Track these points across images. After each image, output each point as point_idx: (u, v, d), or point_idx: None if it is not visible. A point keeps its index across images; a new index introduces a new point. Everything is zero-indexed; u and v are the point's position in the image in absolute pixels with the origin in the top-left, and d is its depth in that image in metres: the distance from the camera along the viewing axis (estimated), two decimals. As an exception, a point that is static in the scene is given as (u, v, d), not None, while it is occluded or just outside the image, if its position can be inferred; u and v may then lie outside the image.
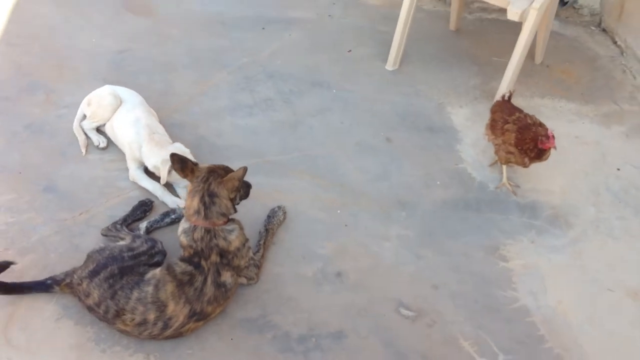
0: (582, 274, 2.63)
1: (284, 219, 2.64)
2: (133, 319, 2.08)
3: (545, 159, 2.77)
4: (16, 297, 2.24)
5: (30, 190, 2.65)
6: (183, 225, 2.23)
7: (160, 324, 2.09)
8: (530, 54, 3.73)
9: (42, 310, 2.23)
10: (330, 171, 2.97)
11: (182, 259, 2.19)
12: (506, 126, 2.82)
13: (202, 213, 2.18)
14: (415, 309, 2.41)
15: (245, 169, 2.22)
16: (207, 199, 2.18)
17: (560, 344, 2.34)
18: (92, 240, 2.47)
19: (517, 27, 3.24)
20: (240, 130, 3.13)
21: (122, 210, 2.61)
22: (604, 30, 4.15)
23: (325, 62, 3.70)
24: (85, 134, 2.93)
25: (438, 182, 2.99)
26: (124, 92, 2.94)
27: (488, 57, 3.88)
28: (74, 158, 2.84)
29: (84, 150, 2.86)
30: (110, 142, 2.92)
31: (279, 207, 2.65)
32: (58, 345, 2.14)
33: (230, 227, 2.23)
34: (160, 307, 2.09)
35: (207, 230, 2.17)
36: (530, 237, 2.77)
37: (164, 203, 2.67)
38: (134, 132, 2.70)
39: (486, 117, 3.06)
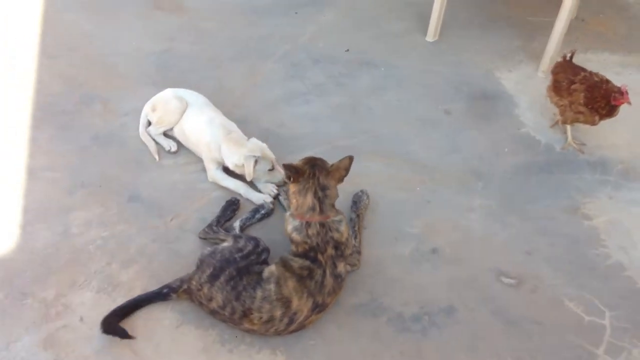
0: None
1: (369, 202, 2.70)
2: (260, 318, 2.14)
3: (616, 114, 2.84)
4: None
5: (115, 202, 2.68)
6: (292, 223, 2.28)
7: (286, 320, 2.16)
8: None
9: (161, 319, 2.27)
10: (399, 150, 3.02)
11: (297, 255, 2.24)
12: (573, 86, 2.88)
13: (318, 208, 2.23)
14: (515, 276, 2.49)
15: (351, 158, 2.28)
16: (321, 194, 2.24)
17: (660, 293, 2.44)
18: (190, 245, 2.51)
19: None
20: (301, 119, 3.16)
21: (210, 211, 2.65)
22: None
23: (365, 40, 3.72)
24: (154, 139, 2.94)
25: (506, 149, 3.06)
26: (187, 94, 2.96)
27: (523, 18, 3.93)
28: (148, 165, 2.86)
29: (156, 156, 2.89)
30: (180, 146, 2.93)
31: (362, 192, 2.71)
32: (185, 351, 2.19)
33: (337, 217, 2.28)
34: (286, 303, 2.15)
35: (322, 225, 2.22)
36: (608, 193, 2.85)
37: (248, 200, 2.70)
38: (210, 133, 2.73)
39: (535, 78, 3.12)
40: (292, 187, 2.30)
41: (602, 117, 2.85)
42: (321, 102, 3.27)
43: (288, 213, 2.36)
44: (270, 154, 2.69)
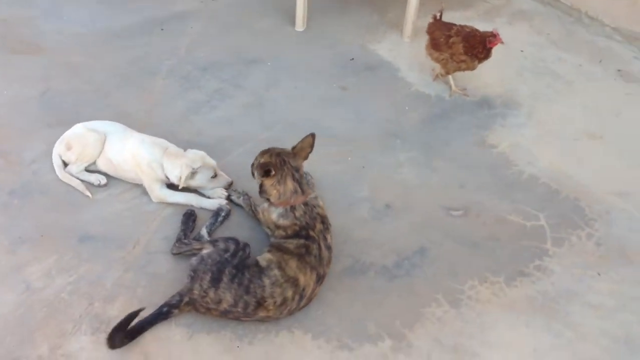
0: (550, 136, 3.27)
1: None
2: (275, 302, 2.25)
3: (491, 56, 3.32)
4: (138, 337, 2.27)
5: (66, 246, 2.58)
6: (276, 211, 2.41)
7: (297, 297, 2.29)
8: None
9: (171, 337, 2.27)
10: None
11: (288, 237, 2.38)
12: (451, 40, 3.31)
13: (299, 190, 2.39)
14: (459, 208, 2.85)
15: (313, 135, 2.46)
16: (297, 175, 2.40)
17: (569, 189, 2.95)
18: (165, 264, 2.52)
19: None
20: (215, 124, 3.25)
21: (168, 229, 2.66)
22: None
23: (242, 40, 3.89)
24: (77, 178, 2.87)
25: (406, 108, 3.43)
26: (100, 125, 2.91)
27: (371, -5, 4.35)
28: (83, 203, 2.78)
29: (88, 194, 2.81)
30: (107, 177, 2.88)
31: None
32: (208, 357, 2.23)
33: (313, 194, 2.46)
34: (294, 282, 2.28)
35: (305, 204, 2.39)
36: (500, 123, 3.34)
37: (203, 209, 2.76)
38: (148, 153, 2.74)
39: (403, 44, 3.56)
40: (268, 181, 2.43)
41: (481, 60, 3.31)
42: (227, 105, 3.38)
43: (266, 205, 2.48)
44: (210, 161, 2.76)
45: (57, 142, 2.92)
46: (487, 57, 3.29)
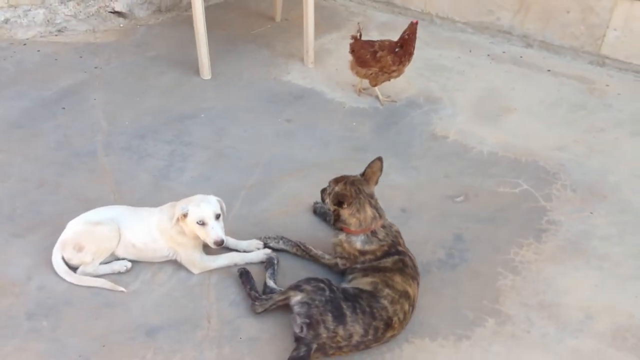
0: (479, 117, 3.79)
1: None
2: (399, 319, 2.34)
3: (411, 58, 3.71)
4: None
5: (140, 345, 2.34)
6: (358, 239, 2.49)
7: (411, 309, 2.42)
8: (271, 16, 4.56)
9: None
10: (292, 162, 3.33)
11: (378, 258, 2.49)
12: (379, 54, 3.64)
13: (378, 214, 2.51)
14: (458, 194, 3.19)
15: (380, 159, 2.59)
16: (373, 201, 2.51)
17: (523, 155, 3.48)
18: (254, 326, 2.43)
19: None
20: (195, 184, 3.12)
21: (230, 295, 2.56)
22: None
23: (156, 100, 3.77)
24: (98, 276, 2.61)
25: (354, 123, 3.68)
26: (97, 214, 2.66)
27: (252, 35, 4.52)
28: (122, 300, 2.52)
29: (121, 288, 2.57)
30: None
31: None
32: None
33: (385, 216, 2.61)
34: (406, 294, 2.39)
35: (383, 226, 2.52)
36: (436, 117, 3.77)
37: (249, 264, 2.70)
38: (168, 219, 2.60)
39: (310, 70, 3.86)
40: (346, 211, 2.50)
41: (406, 64, 3.70)
42: (192, 164, 3.28)
43: (343, 237, 2.54)
44: (203, 208, 2.53)
45: (55, 249, 2.61)
46: (410, 59, 3.66)
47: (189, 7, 4.65)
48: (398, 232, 2.58)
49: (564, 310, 2.59)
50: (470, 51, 4.48)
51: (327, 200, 2.60)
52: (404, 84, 3.99)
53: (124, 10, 4.45)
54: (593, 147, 3.57)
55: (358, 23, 3.80)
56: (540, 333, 2.49)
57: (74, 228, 2.61)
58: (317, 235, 2.87)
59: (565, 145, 3.58)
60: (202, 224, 2.51)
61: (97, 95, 3.75)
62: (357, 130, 3.62)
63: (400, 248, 2.51)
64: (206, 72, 3.96)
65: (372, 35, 4.58)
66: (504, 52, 4.55)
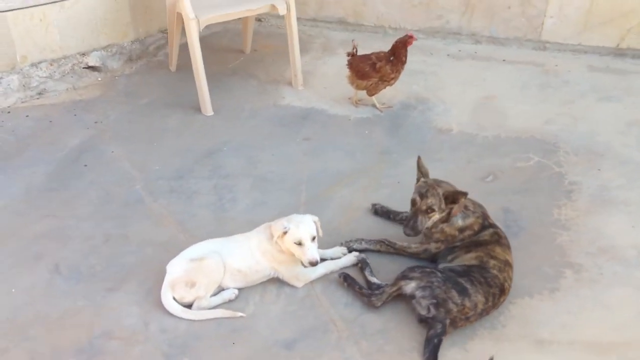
0: (469, 109, 4.20)
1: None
2: (509, 285, 2.65)
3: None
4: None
5: (280, 357, 2.48)
6: (457, 220, 2.76)
7: (511, 274, 2.73)
8: (240, 49, 4.78)
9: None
10: (331, 174, 3.54)
11: (476, 233, 2.77)
12: (378, 65, 3.96)
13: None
14: (486, 175, 3.56)
15: (420, 157, 2.93)
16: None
17: (522, 133, 3.91)
18: (378, 319, 2.61)
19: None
20: (254, 211, 3.21)
21: (340, 297, 2.71)
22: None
23: (173, 142, 3.83)
24: (212, 308, 2.69)
25: (366, 132, 3.96)
26: (196, 251, 2.75)
27: (225, 67, 4.69)
28: (244, 326, 2.61)
29: (241, 313, 2.67)
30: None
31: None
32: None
33: None
34: (508, 263, 2.69)
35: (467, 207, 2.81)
36: (434, 114, 4.14)
37: (343, 268, 2.89)
38: (266, 239, 2.74)
39: (303, 91, 4.22)
40: (458, 207, 2.76)
41: (400, 71, 4.03)
42: (240, 194, 3.38)
43: (439, 226, 2.80)
44: (301, 229, 2.66)
45: (164, 292, 2.66)
46: (404, 65, 4.01)
47: (157, 52, 4.78)
48: (481, 205, 2.88)
49: (620, 250, 3.00)
50: (431, 54, 4.91)
51: (435, 204, 2.73)
52: (391, 90, 4.31)
53: (97, 64, 4.46)
54: (574, 116, 4.08)
55: (353, 40, 4.10)
56: (611, 272, 2.87)
57: (181, 267, 2.67)
58: (387, 232, 3.10)
59: (551, 119, 4.06)
60: (299, 244, 2.67)
61: (113, 148, 3.76)
62: (372, 136, 3.90)
63: (490, 221, 2.82)
64: (208, 109, 4.07)
65: (338, 52, 4.91)
66: (459, 51, 5.02)
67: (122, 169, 3.58)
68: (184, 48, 4.29)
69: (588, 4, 4.81)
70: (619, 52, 4.93)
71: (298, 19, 4.99)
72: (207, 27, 4.02)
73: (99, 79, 4.46)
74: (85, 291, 2.78)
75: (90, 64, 4.44)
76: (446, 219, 2.79)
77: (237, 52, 4.90)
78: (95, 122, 4.00)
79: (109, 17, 4.55)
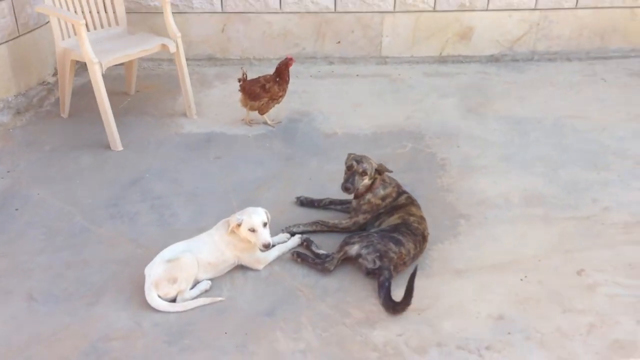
0: (354, 115, 4.90)
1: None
2: (428, 233, 3.30)
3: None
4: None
5: (265, 324, 2.90)
6: (380, 189, 3.37)
7: (426, 225, 3.39)
8: (124, 92, 5.11)
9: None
10: (248, 183, 4.02)
11: (395, 199, 3.40)
12: (267, 86, 4.50)
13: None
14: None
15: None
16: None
17: (413, 128, 4.70)
18: (334, 280, 3.11)
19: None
20: (195, 219, 3.57)
21: (298, 271, 3.16)
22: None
23: (96, 177, 4.02)
24: (193, 299, 3.02)
25: (267, 144, 4.47)
26: (170, 251, 3.05)
27: (116, 109, 4.96)
28: (227, 307, 2.97)
29: (220, 298, 3.01)
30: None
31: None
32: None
33: None
34: (423, 218, 3.31)
35: (385, 180, 3.44)
36: (317, 123, 4.77)
37: (292, 249, 3.35)
38: (227, 236, 3.14)
39: (196, 120, 4.70)
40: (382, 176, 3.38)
41: (286, 90, 4.61)
42: (179, 209, 3.66)
43: (367, 196, 3.38)
44: (254, 217, 3.09)
45: (148, 292, 2.93)
46: (287, 83, 4.60)
47: (42, 103, 4.94)
48: (394, 178, 3.52)
49: (492, 200, 3.81)
50: (297, 77, 5.55)
51: (368, 169, 3.32)
52: (275, 109, 4.87)
53: (-11, 119, 4.50)
54: (426, 111, 4.96)
55: (242, 67, 4.60)
56: (492, 215, 3.66)
57: (160, 268, 2.98)
58: (315, 217, 3.61)
59: (410, 115, 4.89)
60: (253, 231, 3.12)
61: (36, 191, 3.86)
62: (273, 147, 4.42)
63: (403, 189, 3.47)
64: (118, 145, 4.31)
65: (215, 84, 5.39)
66: (319, 71, 5.75)
67: (54, 207, 3.71)
68: (73, 94, 4.53)
69: (413, 23, 5.78)
70: (442, 60, 5.96)
71: (170, 59, 5.43)
72: (83, 76, 4.28)
73: (-6, 132, 4.49)
74: (67, 310, 2.94)
75: (-18, 119, 4.46)
76: (369, 188, 3.38)
77: (122, 95, 5.15)
78: (8, 172, 4.06)
79: (-7, 73, 4.61)
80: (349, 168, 3.37)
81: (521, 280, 3.16)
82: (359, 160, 3.36)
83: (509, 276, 3.18)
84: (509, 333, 2.82)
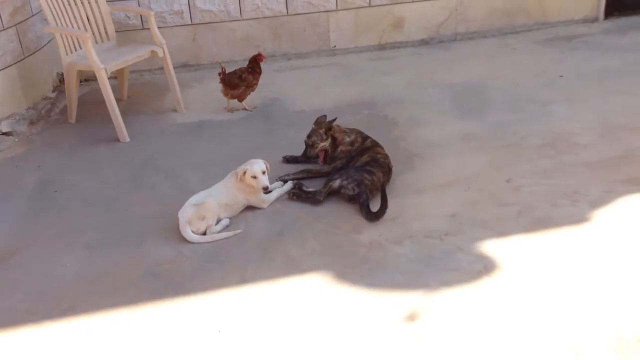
0: (312, 93, 5.72)
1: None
2: (391, 165, 4.13)
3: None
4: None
5: (278, 241, 3.67)
6: (348, 139, 4.16)
7: (390, 160, 4.21)
8: (118, 98, 5.80)
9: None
10: (246, 152, 4.77)
11: (361, 144, 4.22)
12: (243, 76, 5.28)
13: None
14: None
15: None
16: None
17: (376, 99, 5.55)
18: (325, 208, 3.89)
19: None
20: (206, 180, 4.36)
21: (294, 205, 3.92)
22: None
23: (115, 161, 4.72)
24: (219, 231, 3.76)
25: (249, 124, 5.25)
26: (196, 197, 3.76)
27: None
28: (245, 235, 3.75)
29: (239, 230, 3.76)
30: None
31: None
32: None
33: None
34: (386, 155, 4.11)
35: (346, 131, 4.27)
36: (287, 105, 5.57)
37: (287, 191, 4.13)
38: (236, 183, 3.89)
39: (187, 113, 5.39)
40: (336, 133, 4.17)
41: (258, 78, 5.39)
42: (193, 178, 4.47)
43: (340, 147, 4.17)
44: (255, 167, 3.85)
45: (183, 228, 3.63)
46: (260, 73, 5.39)
47: (49, 114, 5.59)
48: (355, 128, 4.35)
49: (437, 141, 4.67)
50: (263, 73, 6.34)
51: (315, 139, 4.16)
52: (250, 97, 5.63)
53: (9, 130, 5.12)
54: (373, 86, 5.81)
55: (220, 63, 5.37)
56: (430, 153, 4.51)
57: (190, 210, 3.70)
58: (300, 168, 4.41)
59: (362, 91, 5.73)
60: (255, 177, 3.90)
61: (68, 177, 4.53)
62: (256, 126, 5.18)
63: (366, 135, 4.31)
64: (126, 136, 4.98)
65: (193, 85, 6.13)
66: (280, 67, 6.54)
67: (86, 186, 4.36)
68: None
69: (354, 18, 6.66)
70: (380, 47, 6.86)
71: (149, 70, 6.16)
72: (82, 88, 4.97)
73: (16, 140, 5.10)
74: (121, 250, 3.61)
75: (4, 130, 5.08)
76: (339, 143, 4.20)
77: (117, 100, 5.78)
78: (38, 166, 4.69)
79: (6, 92, 5.24)
80: (305, 143, 4.22)
81: (465, 190, 4.02)
82: (309, 134, 4.23)
83: (456, 189, 4.03)
84: (461, 223, 3.66)
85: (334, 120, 4.21)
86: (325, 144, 4.20)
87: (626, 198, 3.79)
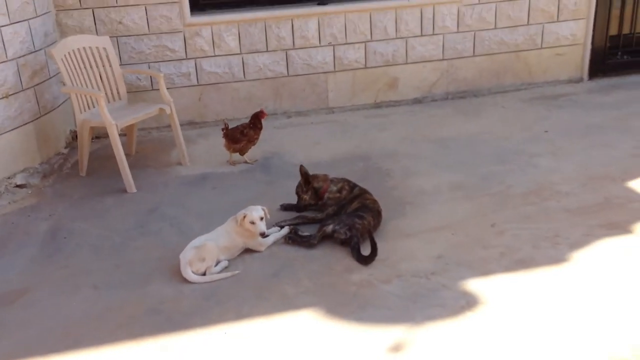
0: (310, 148, 6.01)
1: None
2: (381, 209, 4.37)
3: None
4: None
5: (274, 281, 3.86)
6: (335, 188, 4.40)
7: (379, 205, 4.45)
8: (127, 153, 6.10)
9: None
10: (255, 201, 5.02)
11: (350, 191, 4.46)
12: (245, 131, 5.58)
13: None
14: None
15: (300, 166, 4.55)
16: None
17: (364, 153, 5.83)
18: (319, 251, 4.11)
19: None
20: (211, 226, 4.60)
21: (290, 249, 4.15)
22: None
23: (124, 208, 4.98)
24: (218, 272, 3.96)
25: (250, 176, 5.52)
26: (198, 240, 3.99)
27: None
28: (242, 278, 3.95)
29: (237, 271, 3.97)
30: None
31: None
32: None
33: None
34: (375, 200, 4.36)
35: (332, 180, 4.51)
36: (287, 158, 5.84)
37: (284, 236, 4.36)
38: (236, 226, 4.12)
39: (189, 166, 5.63)
40: (317, 184, 4.43)
41: (259, 134, 5.69)
42: (195, 224, 4.71)
43: (327, 195, 4.42)
44: (253, 213, 4.15)
45: (184, 269, 3.84)
46: (261, 128, 5.70)
47: (62, 168, 5.83)
48: (343, 177, 4.60)
49: (428, 191, 4.90)
50: (263, 129, 6.67)
51: (298, 191, 4.52)
52: (252, 151, 5.92)
53: (23, 182, 5.40)
54: (370, 141, 6.09)
55: (224, 120, 5.69)
56: (427, 202, 4.74)
57: (191, 252, 3.91)
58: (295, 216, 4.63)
59: (358, 145, 6.01)
60: (253, 223, 4.13)
61: (78, 224, 4.76)
62: (256, 177, 5.43)
63: (354, 183, 4.55)
64: (133, 187, 5.24)
65: (198, 141, 6.44)
66: (280, 124, 6.86)
67: (94, 233, 4.59)
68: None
69: (351, 79, 7.03)
70: (377, 105, 7.20)
71: (157, 127, 6.50)
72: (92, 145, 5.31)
73: (29, 192, 5.36)
74: (126, 291, 3.79)
75: (18, 183, 5.36)
76: (323, 192, 4.46)
77: (125, 155, 6.11)
78: (50, 215, 4.94)
79: (22, 147, 5.56)
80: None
81: (452, 234, 4.22)
82: (296, 189, 4.59)
83: (443, 233, 4.24)
84: (447, 264, 3.86)
85: (301, 166, 4.57)
86: (306, 196, 4.50)
87: (604, 241, 3.98)
